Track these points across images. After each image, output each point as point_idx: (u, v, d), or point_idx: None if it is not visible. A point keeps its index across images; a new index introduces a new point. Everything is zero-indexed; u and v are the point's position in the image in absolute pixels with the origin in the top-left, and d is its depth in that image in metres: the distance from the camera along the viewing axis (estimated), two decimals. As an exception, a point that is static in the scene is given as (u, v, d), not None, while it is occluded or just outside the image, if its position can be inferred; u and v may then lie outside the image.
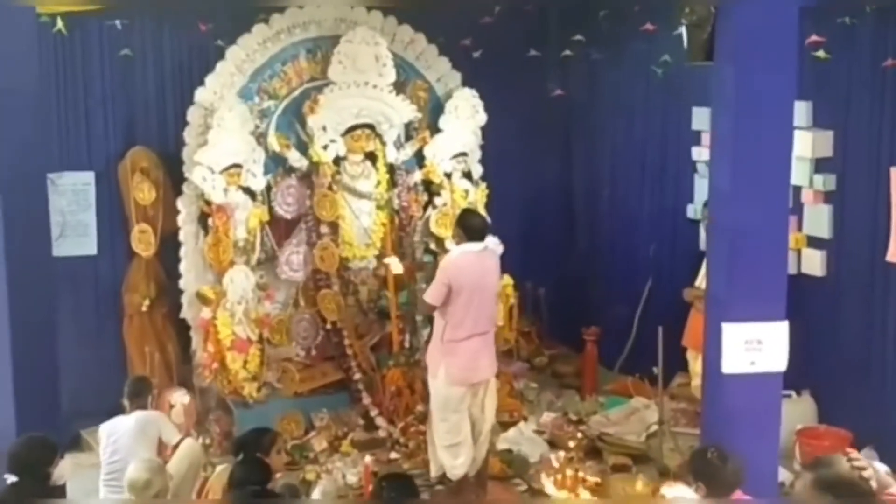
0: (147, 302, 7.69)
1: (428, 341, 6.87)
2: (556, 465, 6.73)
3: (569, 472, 6.60)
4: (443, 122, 8.03)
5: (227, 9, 7.70)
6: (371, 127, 7.77)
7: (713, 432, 5.70)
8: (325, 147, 7.65)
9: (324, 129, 7.62)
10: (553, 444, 7.32)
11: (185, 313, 7.70)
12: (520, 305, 8.26)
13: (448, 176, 8.03)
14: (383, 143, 7.88)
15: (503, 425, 7.52)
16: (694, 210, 8.16)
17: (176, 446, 6.14)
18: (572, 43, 8.69)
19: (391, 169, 7.97)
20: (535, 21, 8.97)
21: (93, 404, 7.05)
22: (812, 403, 7.31)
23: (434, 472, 6.70)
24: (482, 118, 8.13)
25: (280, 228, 7.79)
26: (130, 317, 7.77)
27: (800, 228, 7.29)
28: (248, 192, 7.53)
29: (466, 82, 8.17)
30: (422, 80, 8.13)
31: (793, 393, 7.06)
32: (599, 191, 9.07)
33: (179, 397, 7.25)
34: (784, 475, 6.38)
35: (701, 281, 7.22)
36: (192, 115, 7.52)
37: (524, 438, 7.43)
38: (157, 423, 6.13)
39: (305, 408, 7.50)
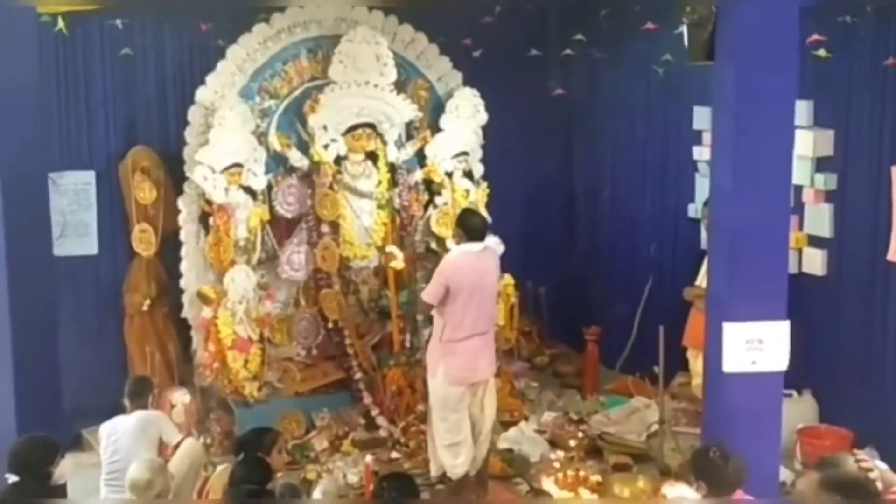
0: (148, 301, 7.70)
1: (429, 341, 6.87)
2: (556, 464, 6.73)
3: (570, 472, 6.61)
4: (444, 121, 8.03)
5: (228, 8, 7.70)
6: (372, 126, 7.77)
7: (714, 432, 5.70)
8: (325, 146, 7.65)
9: (325, 128, 7.62)
10: (554, 444, 7.32)
11: (186, 313, 7.70)
12: (520, 305, 8.26)
13: (449, 175, 8.02)
14: (384, 143, 7.88)
15: (504, 425, 7.52)
16: (695, 209, 8.16)
17: (177, 446, 6.14)
18: (573, 42, 8.68)
19: (392, 168, 7.98)
20: (536, 20, 8.97)
21: (94, 404, 7.06)
22: (813, 403, 7.31)
23: (434, 472, 6.70)
24: (483, 117, 8.13)
25: (281, 228, 7.79)
26: (131, 316, 7.77)
27: (801, 228, 7.29)
28: (249, 191, 7.53)
29: (467, 82, 8.16)
30: (423, 80, 8.13)
31: (794, 392, 7.07)
32: (600, 190, 9.07)
33: (180, 397, 7.27)
34: (785, 475, 6.39)
35: (701, 280, 7.22)
36: (193, 114, 7.52)
37: (525, 438, 7.43)
38: (158, 423, 6.14)
39: (306, 407, 7.50)
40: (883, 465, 4.29)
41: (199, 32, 7.80)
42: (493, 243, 7.14)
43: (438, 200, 8.06)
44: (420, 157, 8.08)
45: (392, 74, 7.71)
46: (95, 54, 7.67)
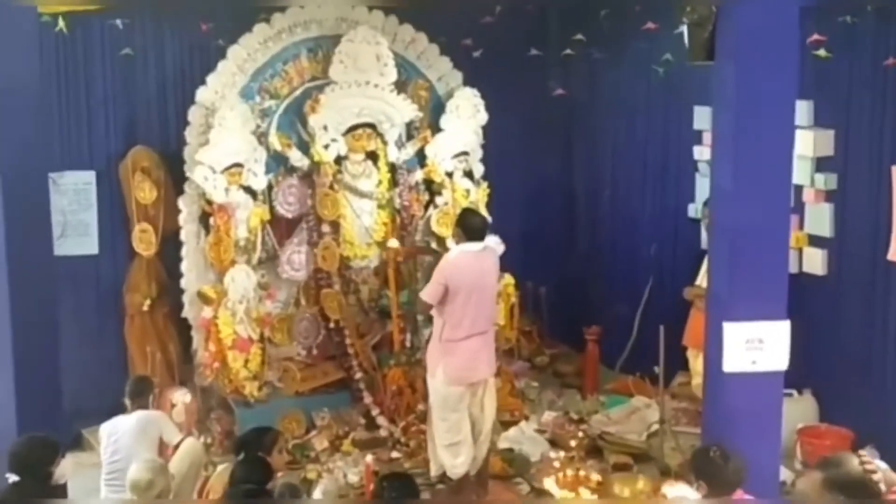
0: (148, 301, 7.70)
1: (429, 340, 6.87)
2: (557, 464, 6.74)
3: (570, 472, 6.61)
4: (444, 121, 8.03)
5: (229, 8, 7.70)
6: (372, 126, 7.78)
7: (714, 431, 5.70)
8: (326, 146, 7.66)
9: (325, 128, 7.62)
10: (554, 444, 7.33)
11: (187, 313, 7.70)
12: (521, 305, 8.27)
13: (449, 175, 8.03)
14: (384, 143, 7.89)
15: (504, 424, 7.52)
16: (695, 209, 8.16)
17: (177, 446, 6.14)
18: (573, 42, 8.68)
19: (392, 168, 7.98)
20: (536, 20, 8.97)
21: (94, 404, 7.07)
22: (813, 402, 7.31)
23: (434, 472, 6.71)
24: (483, 117, 8.13)
25: (281, 228, 7.80)
26: (131, 316, 7.78)
27: (801, 227, 7.29)
28: (250, 191, 7.53)
29: (467, 82, 8.17)
30: (423, 80, 8.13)
31: (794, 392, 7.07)
32: (600, 190, 9.07)
33: (181, 396, 7.27)
34: (785, 474, 6.39)
35: (701, 280, 7.22)
36: (194, 114, 7.52)
37: (525, 437, 7.43)
38: (159, 423, 6.14)
39: (306, 407, 7.50)
40: (883, 465, 4.28)
41: (200, 32, 7.80)
42: (494, 243, 7.14)
43: (439, 200, 8.06)
44: (420, 157, 8.09)
45: (392, 74, 7.71)
46: (96, 54, 7.67)
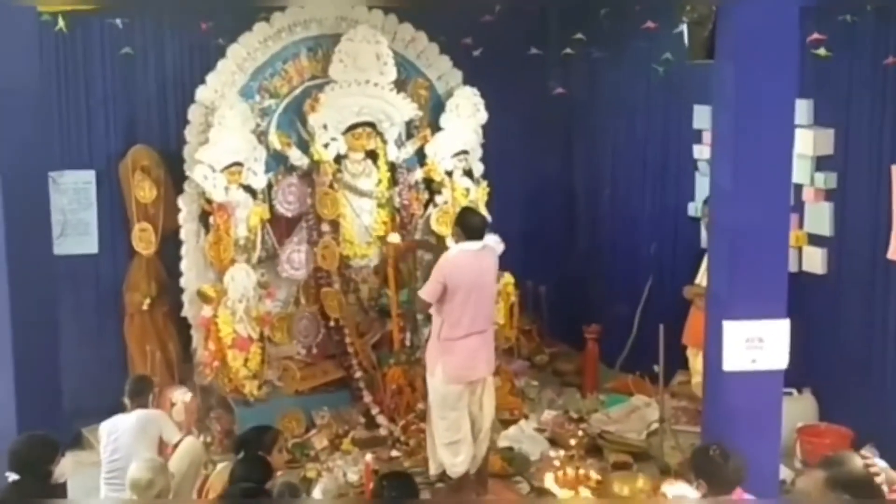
0: (148, 300, 7.70)
1: (428, 339, 6.87)
2: (556, 463, 6.73)
3: (569, 470, 6.60)
4: (444, 120, 8.03)
5: (229, 7, 7.70)
6: (372, 125, 7.78)
7: (714, 430, 5.71)
8: (326, 145, 7.66)
9: (325, 127, 7.62)
10: (554, 442, 7.33)
11: (186, 312, 7.70)
12: (521, 303, 8.26)
13: (449, 174, 8.03)
14: (384, 142, 7.89)
15: (504, 423, 7.52)
16: (695, 208, 8.16)
17: (177, 444, 6.14)
18: (573, 41, 8.68)
19: (392, 167, 7.98)
20: (536, 19, 8.97)
21: (94, 402, 7.07)
22: (813, 401, 7.31)
23: (433, 470, 6.71)
24: (483, 116, 8.13)
25: (281, 227, 7.80)
26: (131, 315, 7.78)
27: (801, 226, 7.29)
28: (249, 190, 7.53)
29: (467, 80, 8.17)
30: (423, 79, 8.13)
31: (794, 391, 7.07)
32: (600, 189, 9.07)
33: (180, 395, 7.28)
34: (785, 473, 6.39)
35: (701, 279, 7.22)
36: (193, 113, 7.53)
37: (525, 436, 7.43)
38: (158, 422, 6.14)
39: (306, 406, 7.51)
40: (883, 464, 4.29)
41: (200, 31, 7.80)
42: (493, 242, 7.14)
43: (438, 199, 8.06)
44: (420, 156, 8.09)
45: (392, 73, 7.71)
46: (96, 53, 7.67)
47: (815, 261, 7.25)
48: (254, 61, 7.61)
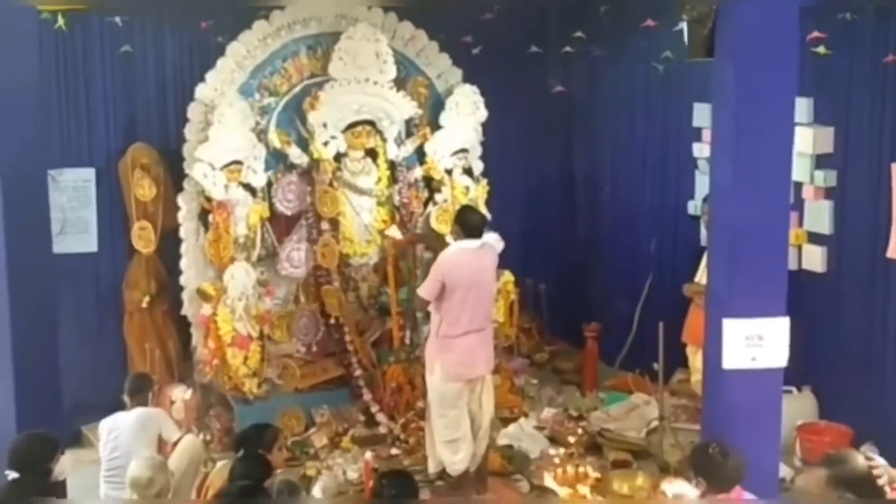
0: (147, 298, 7.70)
1: (428, 337, 6.87)
2: (556, 461, 6.74)
3: (569, 468, 6.61)
4: (443, 118, 8.03)
5: (228, 5, 7.69)
6: (372, 123, 7.78)
7: (714, 428, 5.70)
8: (325, 143, 7.65)
9: (324, 125, 7.62)
10: (553, 440, 7.33)
11: (186, 310, 7.70)
12: (520, 301, 8.26)
13: (449, 172, 8.03)
14: (384, 140, 7.89)
15: (504, 421, 7.52)
16: (694, 206, 8.16)
17: (176, 443, 6.14)
18: (573, 39, 8.68)
19: (392, 165, 7.98)
20: (536, 18, 8.96)
21: (93, 401, 7.08)
22: (812, 399, 7.31)
23: (432, 468, 6.71)
24: (483, 115, 8.13)
25: (280, 225, 7.79)
26: (131, 313, 7.78)
27: (800, 224, 7.29)
28: (249, 188, 7.53)
29: (467, 79, 8.17)
30: (422, 77, 8.13)
31: (793, 389, 7.07)
32: (600, 187, 9.07)
33: (180, 393, 7.28)
34: (784, 471, 6.39)
35: (701, 277, 7.22)
36: (193, 111, 7.52)
37: (524, 434, 7.43)
38: (158, 420, 6.14)
39: (306, 404, 7.50)
40: (882, 461, 4.29)
41: (199, 30, 7.80)
42: (493, 240, 7.14)
43: (438, 197, 8.06)
44: (420, 154, 8.09)
45: (392, 71, 7.70)
46: (95, 51, 7.66)
47: (814, 259, 7.25)
48: (253, 59, 7.60)
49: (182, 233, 7.61)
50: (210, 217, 7.43)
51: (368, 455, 6.77)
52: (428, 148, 7.99)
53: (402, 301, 7.77)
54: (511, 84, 8.66)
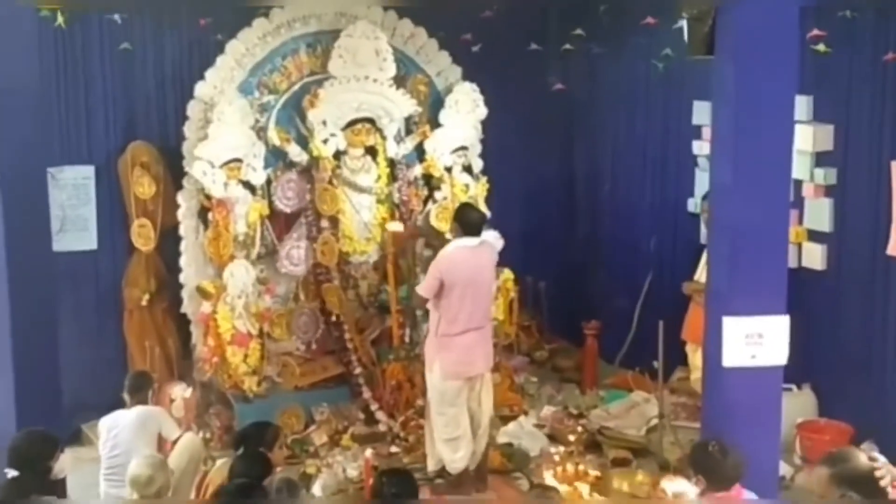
0: (147, 296, 7.70)
1: (427, 335, 6.87)
2: (556, 459, 6.74)
3: (569, 466, 6.61)
4: (443, 116, 8.02)
5: (227, 3, 7.69)
6: (371, 121, 7.77)
7: (713, 426, 5.71)
8: (325, 141, 7.65)
9: (324, 123, 7.61)
10: (553, 438, 7.33)
11: (186, 308, 7.70)
12: (520, 299, 8.25)
13: (448, 170, 8.02)
14: (383, 138, 7.88)
15: (503, 419, 7.52)
16: (694, 204, 8.16)
17: (176, 441, 6.14)
18: (573, 37, 8.68)
19: (391, 163, 7.97)
20: (536, 15, 8.96)
21: (93, 399, 7.08)
22: (812, 397, 7.31)
23: (432, 466, 6.71)
24: (482, 112, 8.13)
25: (280, 223, 7.79)
26: (130, 311, 7.78)
27: (800, 222, 7.29)
28: (249, 186, 7.52)
29: (467, 76, 8.16)
30: (422, 75, 8.12)
31: (793, 386, 7.07)
32: (600, 185, 9.07)
33: (180, 391, 7.28)
34: (784, 469, 6.39)
35: (700, 274, 7.22)
36: (192, 109, 7.52)
37: (524, 432, 7.43)
38: (158, 418, 6.14)
39: (306, 402, 7.50)
40: (882, 459, 4.29)
41: (198, 27, 7.80)
42: (492, 238, 7.15)
43: (438, 195, 8.06)
44: (419, 152, 8.08)
45: (391, 69, 7.70)
46: (95, 49, 7.66)
47: (814, 257, 7.25)
48: (253, 57, 7.60)
49: (182, 230, 7.61)
50: (210, 215, 7.42)
51: (368, 453, 6.77)
52: (427, 146, 7.99)
53: (401, 299, 7.77)
54: (511, 82, 8.66)
